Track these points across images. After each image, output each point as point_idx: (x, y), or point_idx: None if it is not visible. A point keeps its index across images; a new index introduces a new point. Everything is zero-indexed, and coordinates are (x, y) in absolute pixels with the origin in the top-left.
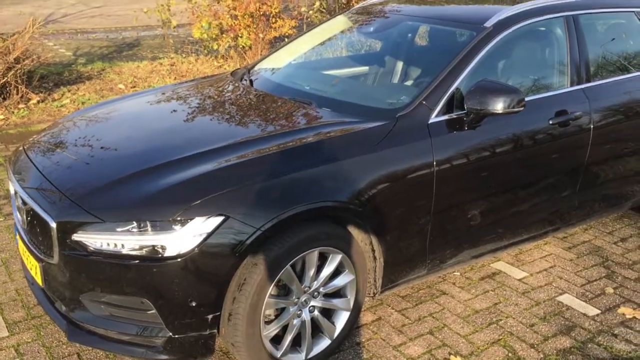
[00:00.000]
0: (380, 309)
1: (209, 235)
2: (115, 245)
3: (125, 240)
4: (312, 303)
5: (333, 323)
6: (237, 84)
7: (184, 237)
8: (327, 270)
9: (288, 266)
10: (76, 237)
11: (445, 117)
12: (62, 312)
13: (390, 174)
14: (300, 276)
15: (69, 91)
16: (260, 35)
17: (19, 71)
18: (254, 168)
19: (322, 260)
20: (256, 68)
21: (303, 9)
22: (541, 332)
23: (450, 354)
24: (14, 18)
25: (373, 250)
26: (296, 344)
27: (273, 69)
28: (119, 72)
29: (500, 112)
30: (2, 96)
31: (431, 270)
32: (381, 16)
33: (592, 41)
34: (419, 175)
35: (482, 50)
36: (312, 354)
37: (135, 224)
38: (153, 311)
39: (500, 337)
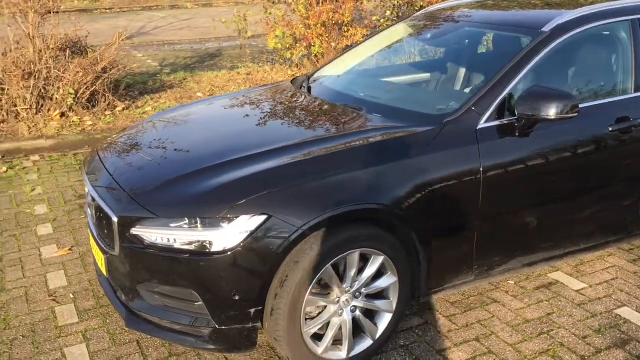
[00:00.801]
0: (428, 314)
1: (252, 232)
2: (169, 239)
3: (177, 235)
4: (354, 303)
5: (375, 324)
6: (294, 91)
7: (229, 234)
8: (369, 271)
9: (329, 266)
10: (134, 231)
11: (496, 123)
12: (123, 301)
13: (435, 179)
14: (343, 276)
15: (151, 99)
16: (333, 44)
17: (106, 80)
18: (298, 170)
19: (365, 261)
20: (316, 75)
21: (375, 17)
22: (594, 345)
23: None
24: (108, 31)
25: (417, 254)
26: (338, 342)
27: (331, 76)
28: (198, 81)
29: (553, 117)
30: (92, 103)
31: (479, 276)
32: (440, 23)
33: None
34: (465, 180)
35: (538, 55)
36: (353, 353)
37: (186, 220)
38: (200, 303)
39: (550, 348)
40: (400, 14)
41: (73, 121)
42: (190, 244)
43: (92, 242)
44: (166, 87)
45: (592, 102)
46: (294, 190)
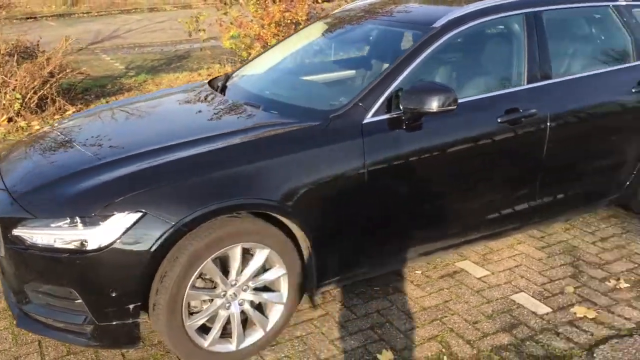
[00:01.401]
0: (331, 305)
1: (127, 230)
2: (49, 239)
3: (57, 235)
4: (242, 296)
5: (267, 316)
6: (205, 91)
7: (105, 232)
8: (254, 265)
9: (209, 260)
10: (16, 232)
11: (382, 117)
12: (13, 301)
13: (319, 173)
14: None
15: (107, 102)
16: None
17: (54, 84)
18: (176, 167)
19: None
20: (234, 75)
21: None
22: (482, 329)
23: (384, 348)
24: (80, 35)
25: (307, 247)
26: (229, 335)
27: (245, 75)
28: (158, 83)
29: (435, 110)
30: (42, 108)
31: (373, 267)
32: (348, 21)
33: (557, 38)
34: (350, 173)
35: (426, 50)
36: (243, 344)
37: (67, 219)
38: (80, 300)
39: (439, 334)
40: None
41: (20, 126)
42: (69, 242)
43: None
44: (124, 89)
45: (482, 94)
46: (171, 187)
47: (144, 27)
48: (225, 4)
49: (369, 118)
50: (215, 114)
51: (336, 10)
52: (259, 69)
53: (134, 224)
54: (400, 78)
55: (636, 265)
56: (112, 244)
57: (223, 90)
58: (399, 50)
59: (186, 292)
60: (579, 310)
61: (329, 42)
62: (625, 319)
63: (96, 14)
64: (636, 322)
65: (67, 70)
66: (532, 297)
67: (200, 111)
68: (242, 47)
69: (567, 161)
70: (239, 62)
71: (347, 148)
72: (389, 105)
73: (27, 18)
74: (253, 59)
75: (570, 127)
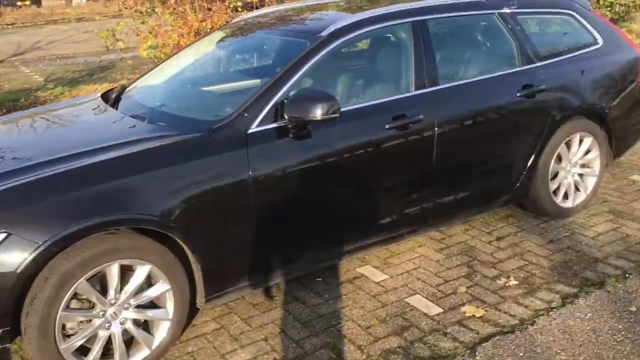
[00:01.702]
0: (226, 318)
1: None
2: None
3: None
4: (124, 315)
5: (152, 334)
6: (95, 105)
7: None
8: (134, 282)
9: (82, 280)
10: None
11: (268, 126)
12: None
13: (202, 185)
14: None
15: None
16: None
17: None
18: (46, 184)
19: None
20: (129, 87)
21: None
22: (374, 334)
23: (275, 359)
24: (1, 47)
25: (192, 261)
26: (112, 355)
27: (140, 87)
28: (75, 95)
29: (319, 118)
30: None
31: (266, 277)
32: (245, 31)
33: (444, 45)
34: (234, 184)
35: (312, 59)
36: None
37: None
38: None
39: (332, 341)
40: None
41: None
42: None
43: None
44: (39, 103)
45: (370, 102)
46: (40, 204)
47: (69, 37)
48: (141, 13)
49: (254, 128)
50: (98, 127)
51: (235, 20)
52: (154, 80)
53: None
54: (286, 87)
55: (527, 262)
56: None
57: (116, 102)
58: (287, 59)
59: (59, 314)
60: (468, 310)
61: (223, 52)
62: (510, 315)
63: (21, 25)
64: (520, 319)
65: None
66: (426, 298)
67: (84, 125)
68: (163, 57)
69: (457, 164)
70: None
71: (230, 159)
72: (275, 115)
73: None
74: (151, 70)
75: (458, 131)
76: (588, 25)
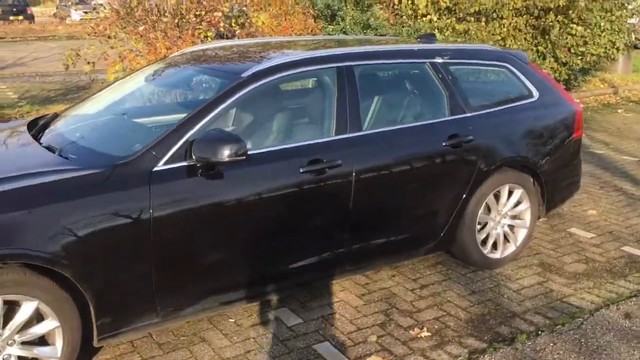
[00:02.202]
0: (127, 357)
1: None
2: None
3: None
4: (8, 351)
5: None
6: (16, 131)
7: None
8: (19, 318)
9: None
10: None
11: (176, 165)
12: None
13: (99, 222)
14: None
15: None
16: None
17: None
18: None
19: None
20: (61, 114)
21: None
22: None
23: None
24: None
25: (88, 299)
26: None
27: (68, 116)
28: (42, 115)
29: (226, 160)
30: None
31: (166, 317)
32: (173, 67)
33: (371, 92)
34: (133, 223)
35: (229, 99)
36: None
37: None
38: None
39: None
40: None
41: None
42: None
43: None
44: (2, 121)
45: (285, 144)
46: None
47: (54, 55)
48: (109, 38)
49: (160, 166)
50: (8, 155)
51: (174, 54)
52: (82, 110)
53: None
54: (198, 126)
55: (444, 313)
56: None
57: (43, 130)
58: (207, 97)
59: None
60: None
61: (152, 86)
62: None
63: (10, 39)
64: None
65: None
66: (335, 346)
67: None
68: None
69: (377, 211)
70: None
71: (130, 196)
72: (186, 154)
73: None
74: (86, 98)
75: (378, 178)
76: (523, 78)
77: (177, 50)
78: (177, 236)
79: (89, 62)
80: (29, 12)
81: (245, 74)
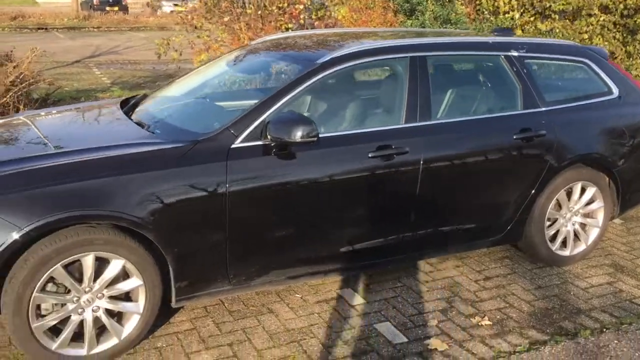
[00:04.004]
0: (200, 320)
1: None
2: None
3: None
4: (97, 303)
5: (122, 325)
6: (108, 108)
7: None
8: (108, 274)
9: (59, 266)
10: None
11: (252, 143)
12: None
13: (180, 191)
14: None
15: None
16: None
17: (17, 93)
18: (35, 176)
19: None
20: (150, 95)
21: None
22: (334, 354)
23: None
24: (81, 48)
25: (165, 261)
26: (84, 339)
27: (156, 97)
28: None
29: (298, 140)
30: (4, 115)
31: (237, 286)
32: (252, 54)
33: (442, 82)
34: (211, 194)
35: (303, 84)
36: (95, 350)
37: None
38: None
39: (292, 354)
40: None
41: None
42: None
43: None
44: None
45: (356, 129)
46: (25, 192)
47: (144, 44)
48: (196, 28)
49: (237, 143)
50: (102, 128)
51: (254, 42)
52: (169, 92)
53: None
54: (273, 108)
55: (507, 305)
56: None
57: (133, 108)
58: (282, 83)
59: (33, 295)
60: (434, 343)
61: (232, 71)
62: (472, 354)
63: (105, 29)
64: (480, 358)
65: (31, 80)
66: (395, 327)
67: (91, 125)
68: None
69: (442, 200)
70: None
71: (210, 170)
72: (261, 134)
73: (38, 28)
74: (172, 82)
75: (445, 168)
76: (603, 75)
77: None
78: (250, 211)
79: (176, 50)
80: (123, 3)
81: (319, 61)
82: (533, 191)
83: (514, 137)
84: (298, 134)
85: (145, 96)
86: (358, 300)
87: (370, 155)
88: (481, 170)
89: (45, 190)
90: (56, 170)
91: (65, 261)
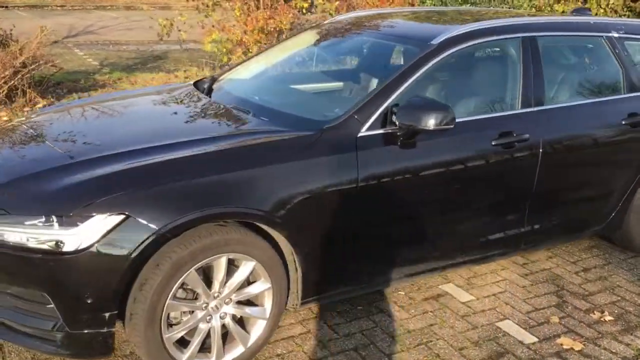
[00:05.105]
0: (312, 323)
1: (108, 232)
2: (21, 238)
3: (31, 234)
4: (224, 310)
5: (248, 331)
6: (192, 93)
7: (84, 233)
8: (239, 277)
9: (192, 270)
10: None
11: (377, 131)
12: None
13: (310, 185)
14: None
15: (79, 97)
16: None
17: (26, 75)
18: (164, 170)
19: (237, 267)
20: (221, 78)
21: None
22: (469, 356)
23: None
24: (54, 28)
25: (292, 261)
26: (208, 349)
27: (233, 79)
28: (133, 82)
29: (431, 128)
30: (12, 99)
31: (357, 285)
32: (341, 32)
33: (551, 64)
34: (342, 187)
35: (423, 67)
36: None
37: (43, 218)
38: (51, 305)
39: (425, 358)
40: None
41: None
42: (43, 242)
43: None
44: (98, 86)
45: (476, 116)
46: (157, 190)
47: (120, 24)
48: (207, 6)
49: (363, 132)
50: (202, 116)
51: (326, 21)
52: (246, 74)
53: (115, 226)
54: (397, 93)
55: (619, 298)
56: (90, 246)
57: (209, 93)
58: (393, 65)
59: (167, 303)
60: (565, 342)
61: (319, 52)
62: (612, 352)
63: (70, 7)
64: (622, 357)
65: (41, 62)
66: (517, 325)
67: (185, 112)
68: (224, 51)
69: (556, 189)
70: (218, 66)
71: (340, 161)
72: (383, 121)
73: None
74: (239, 63)
75: (560, 155)
76: None
77: (274, 22)
78: (380, 204)
79: (179, 30)
80: None
81: (434, 42)
82: (637, 178)
83: (622, 121)
84: (432, 121)
85: (214, 79)
86: (466, 296)
87: (493, 143)
88: (591, 157)
89: (179, 186)
90: (187, 162)
91: (199, 265)
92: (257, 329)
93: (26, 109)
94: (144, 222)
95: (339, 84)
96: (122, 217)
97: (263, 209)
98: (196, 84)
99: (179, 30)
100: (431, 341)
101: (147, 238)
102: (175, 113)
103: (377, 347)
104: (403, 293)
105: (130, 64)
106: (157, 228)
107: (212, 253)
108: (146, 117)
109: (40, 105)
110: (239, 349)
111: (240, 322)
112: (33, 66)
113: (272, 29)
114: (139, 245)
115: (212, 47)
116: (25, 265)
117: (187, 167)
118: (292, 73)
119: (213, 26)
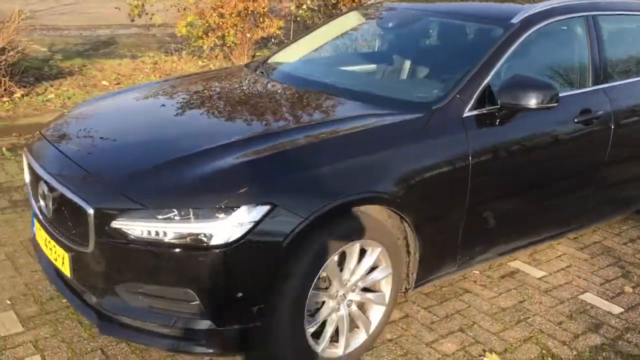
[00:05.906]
0: (406, 306)
1: (257, 224)
2: (157, 233)
3: (167, 228)
4: (350, 297)
5: (369, 318)
6: (257, 77)
7: (230, 226)
8: (366, 263)
9: (332, 258)
10: (115, 224)
11: (478, 111)
12: (92, 304)
13: (427, 167)
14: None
15: (51, 86)
16: (248, 35)
17: (2, 63)
18: (300, 156)
19: (363, 252)
20: (270, 61)
21: (293, 7)
22: (570, 330)
23: (485, 350)
24: None
25: (408, 245)
26: (333, 339)
27: (289, 63)
28: (100, 69)
29: (534, 107)
30: None
31: (461, 266)
32: (398, 12)
33: (612, 42)
34: (455, 169)
35: (511, 46)
36: (349, 349)
37: (176, 211)
38: (196, 302)
39: (532, 335)
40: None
41: None
42: (183, 237)
43: (44, 238)
44: (65, 73)
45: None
46: (299, 177)
47: (51, 9)
48: None
49: (467, 112)
50: (291, 101)
51: (371, 1)
52: (299, 56)
53: (264, 217)
54: (492, 73)
55: None
56: (240, 238)
57: (275, 76)
58: (477, 45)
59: (310, 293)
60: None
61: (380, 32)
62: None
63: None
64: None
65: (19, 49)
66: (599, 297)
67: (274, 98)
68: (198, 35)
69: (623, 164)
70: (188, 52)
71: (453, 142)
72: (481, 100)
73: None
74: (285, 46)
75: (629, 131)
76: None
77: (257, 5)
78: (488, 184)
79: (147, 14)
80: None
81: (514, 20)
82: None
83: None
84: (534, 100)
85: (262, 63)
86: (538, 272)
87: (575, 121)
88: None
89: (322, 171)
90: (320, 148)
91: (338, 252)
92: (377, 315)
93: (5, 99)
94: (292, 211)
95: (420, 67)
96: (268, 207)
97: (391, 194)
98: (249, 68)
99: (147, 14)
100: (528, 317)
101: (296, 227)
102: (260, 97)
103: (481, 326)
104: (478, 272)
105: (81, 49)
106: (304, 217)
107: (350, 240)
108: (232, 103)
109: (18, 95)
110: (361, 336)
111: (361, 308)
112: (12, 53)
113: (248, 13)
114: (288, 235)
115: (188, 30)
116: (166, 261)
117: (320, 152)
118: (354, 55)
119: (185, 9)
